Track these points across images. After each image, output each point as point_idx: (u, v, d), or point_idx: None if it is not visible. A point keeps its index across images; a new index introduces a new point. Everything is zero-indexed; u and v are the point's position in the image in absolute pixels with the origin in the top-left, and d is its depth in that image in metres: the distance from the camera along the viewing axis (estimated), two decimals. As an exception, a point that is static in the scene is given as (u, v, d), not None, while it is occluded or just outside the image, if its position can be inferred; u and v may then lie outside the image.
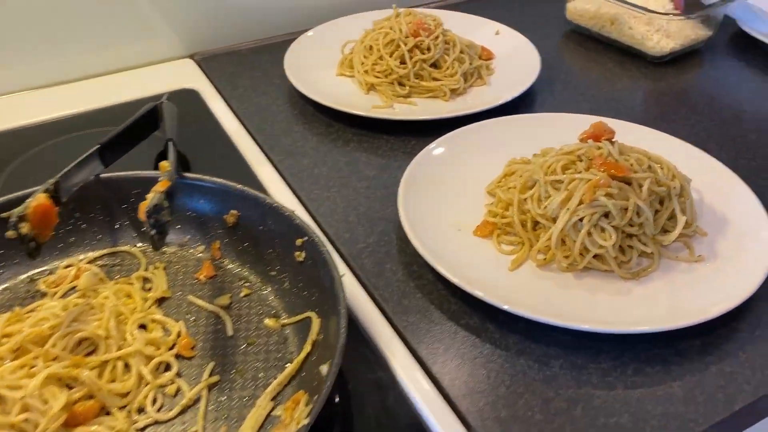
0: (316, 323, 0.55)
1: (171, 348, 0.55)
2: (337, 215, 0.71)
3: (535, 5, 1.15)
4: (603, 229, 0.61)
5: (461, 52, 0.91)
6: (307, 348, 0.54)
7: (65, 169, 0.60)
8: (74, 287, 0.60)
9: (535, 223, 0.65)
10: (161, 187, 0.56)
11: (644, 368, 0.55)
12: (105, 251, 0.65)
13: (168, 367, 0.54)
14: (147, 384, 0.52)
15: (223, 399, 0.52)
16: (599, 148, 0.64)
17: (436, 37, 0.89)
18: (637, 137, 0.75)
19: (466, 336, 0.58)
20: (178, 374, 0.54)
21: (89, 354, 0.53)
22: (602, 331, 0.55)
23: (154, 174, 0.62)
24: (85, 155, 0.63)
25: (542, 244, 0.62)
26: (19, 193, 0.60)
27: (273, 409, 0.51)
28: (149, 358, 0.54)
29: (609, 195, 0.60)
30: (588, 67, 0.98)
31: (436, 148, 0.75)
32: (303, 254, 0.59)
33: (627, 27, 0.97)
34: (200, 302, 0.60)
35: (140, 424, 0.50)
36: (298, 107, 0.89)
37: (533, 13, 1.12)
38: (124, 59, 0.98)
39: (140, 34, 0.98)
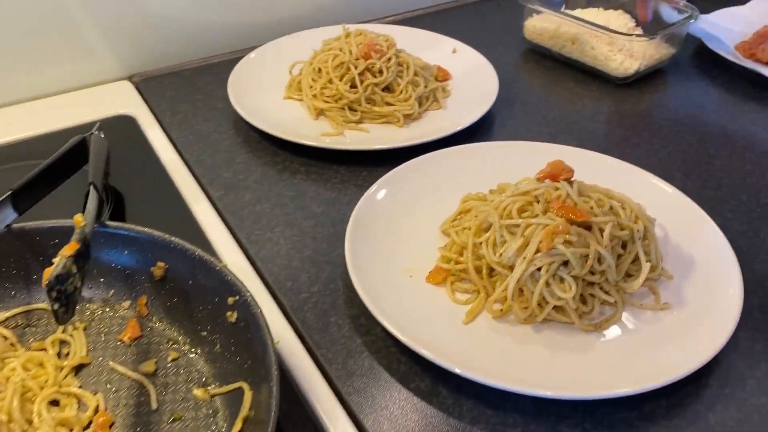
0: (247, 396, 0.49)
1: (86, 427, 0.49)
2: (279, 259, 0.66)
3: (494, 20, 1.10)
4: (562, 279, 0.56)
5: (415, 74, 0.86)
6: (238, 425, 0.48)
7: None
8: (-20, 355, 0.54)
9: (491, 270, 0.60)
10: (68, 251, 0.50)
11: (608, 434, 0.51)
12: (19, 310, 0.58)
13: (82, 451, 0.48)
14: (56, 473, 0.46)
15: (143, 487, 0.47)
16: (557, 188, 0.59)
17: (389, 59, 0.84)
18: (598, 169, 0.71)
19: (416, 403, 0.53)
20: (94, 458, 0.48)
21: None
22: (562, 397, 0.51)
23: (72, 224, 0.56)
24: (-6, 203, 0.57)
25: (499, 294, 0.58)
26: None
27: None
28: (60, 442, 0.48)
29: (568, 242, 0.56)
30: (549, 88, 0.94)
31: (387, 182, 0.70)
32: (235, 314, 0.53)
33: (589, 47, 0.93)
34: (122, 369, 0.54)
35: None
36: (242, 134, 0.83)
37: (492, 29, 1.08)
38: (55, 82, 0.91)
39: (74, 53, 0.91)
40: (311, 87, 0.85)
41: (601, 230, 0.57)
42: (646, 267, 0.58)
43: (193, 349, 0.55)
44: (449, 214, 0.67)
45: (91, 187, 0.61)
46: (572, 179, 0.61)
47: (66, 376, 0.53)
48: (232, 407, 0.50)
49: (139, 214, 0.71)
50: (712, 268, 0.62)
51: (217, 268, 0.55)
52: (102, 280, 0.59)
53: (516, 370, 0.53)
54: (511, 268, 0.58)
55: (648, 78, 0.96)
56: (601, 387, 0.51)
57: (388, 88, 0.84)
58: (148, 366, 0.54)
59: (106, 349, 0.56)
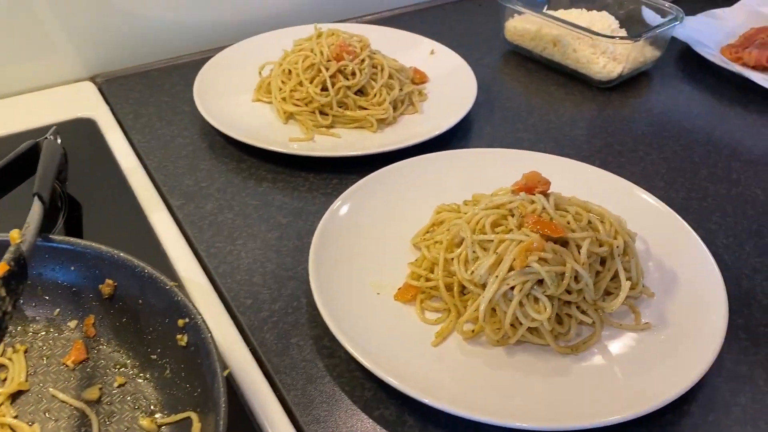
0: (196, 428, 0.46)
1: (19, 462, 0.46)
2: (240, 275, 0.62)
3: (474, 21, 1.07)
4: (537, 300, 0.53)
5: (390, 77, 0.82)
6: (185, 460, 0.45)
7: None
8: None
9: (463, 288, 0.56)
10: (-2, 271, 0.46)
11: (584, 467, 0.48)
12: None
13: (14, 488, 0.44)
14: None
15: None
16: (533, 202, 0.56)
17: (362, 61, 0.81)
18: (578, 178, 0.68)
19: (379, 433, 0.49)
20: (26, 497, 0.44)
21: None
22: (536, 429, 0.47)
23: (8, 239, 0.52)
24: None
25: (470, 314, 0.54)
26: None
27: None
28: (-11, 479, 0.44)
29: (543, 260, 0.52)
30: (529, 92, 0.91)
31: (355, 193, 0.66)
32: (186, 338, 0.50)
33: (571, 49, 0.89)
34: (64, 397, 0.50)
35: None
36: (208, 139, 0.79)
37: (471, 29, 1.04)
38: (11, 82, 0.86)
39: (33, 51, 0.87)
40: (281, 89, 0.81)
41: (579, 246, 0.54)
42: (626, 285, 0.55)
43: (141, 374, 0.51)
44: (422, 226, 0.64)
45: (35, 199, 0.57)
46: (549, 192, 0.58)
47: (1, 405, 0.49)
48: (179, 439, 0.47)
49: (95, 223, 0.68)
50: (696, 285, 0.59)
51: (167, 287, 0.51)
52: (47, 298, 0.55)
53: (487, 398, 0.50)
54: (484, 286, 0.54)
55: (631, 82, 0.93)
56: (576, 417, 0.48)
57: (361, 91, 0.81)
58: (92, 393, 0.50)
59: (47, 374, 0.52)
